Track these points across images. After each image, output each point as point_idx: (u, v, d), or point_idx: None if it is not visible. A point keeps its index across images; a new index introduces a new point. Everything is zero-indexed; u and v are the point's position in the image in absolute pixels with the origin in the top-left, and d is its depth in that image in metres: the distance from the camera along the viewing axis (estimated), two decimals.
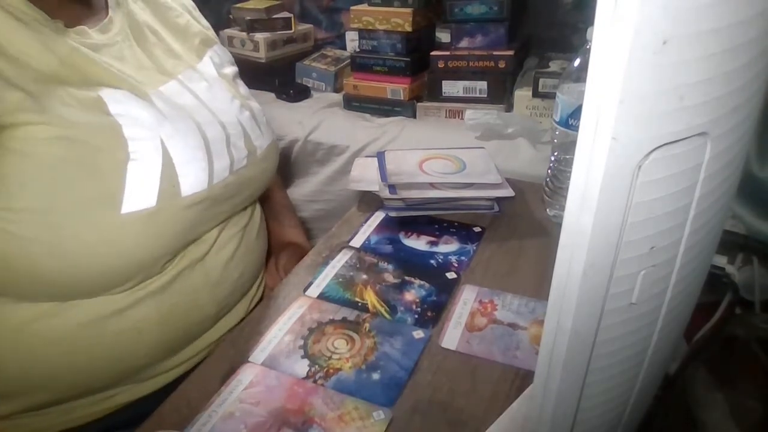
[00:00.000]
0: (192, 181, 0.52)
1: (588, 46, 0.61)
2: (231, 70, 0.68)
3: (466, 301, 0.57)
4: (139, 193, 0.48)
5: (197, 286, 0.56)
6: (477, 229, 0.70)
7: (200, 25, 0.68)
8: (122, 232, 0.48)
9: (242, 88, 0.68)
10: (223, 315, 0.61)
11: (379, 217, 0.73)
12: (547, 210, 0.73)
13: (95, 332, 0.50)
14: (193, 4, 0.71)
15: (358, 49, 1.36)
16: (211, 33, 0.70)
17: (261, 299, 0.69)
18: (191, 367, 0.58)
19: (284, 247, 0.77)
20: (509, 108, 1.27)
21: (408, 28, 1.27)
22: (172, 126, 0.52)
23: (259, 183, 0.64)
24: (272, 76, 1.48)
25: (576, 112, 0.64)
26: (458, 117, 1.29)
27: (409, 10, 1.26)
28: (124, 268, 0.49)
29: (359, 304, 0.58)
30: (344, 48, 1.58)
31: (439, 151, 0.79)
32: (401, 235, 0.69)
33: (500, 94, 1.27)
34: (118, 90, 0.51)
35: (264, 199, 0.81)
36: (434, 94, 1.31)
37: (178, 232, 0.52)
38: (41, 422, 0.53)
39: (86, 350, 0.51)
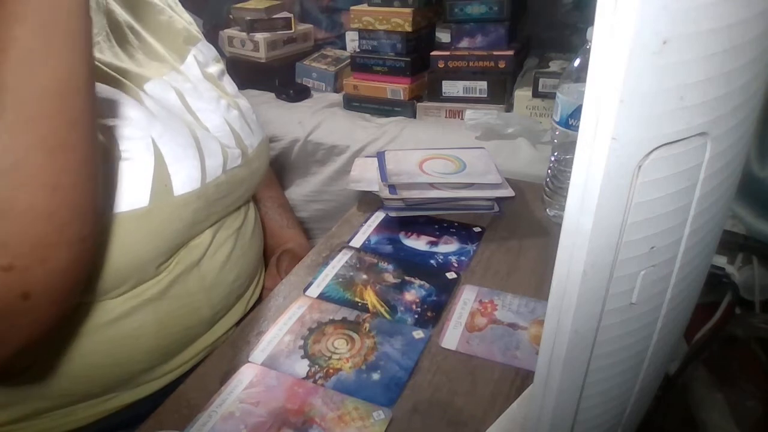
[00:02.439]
0: (184, 180, 0.51)
1: (588, 46, 0.61)
2: (216, 68, 0.66)
3: (466, 301, 0.57)
4: (132, 192, 0.47)
5: (193, 291, 0.56)
6: (477, 229, 0.70)
7: (183, 20, 0.66)
8: (114, 233, 0.47)
9: (229, 86, 0.66)
10: (219, 318, 0.61)
11: (379, 217, 0.73)
12: (547, 210, 0.73)
13: (92, 341, 0.50)
14: None
15: (358, 49, 1.37)
16: (194, 28, 0.68)
17: (258, 300, 0.68)
18: (188, 370, 0.58)
19: (284, 249, 0.77)
20: (509, 108, 1.27)
21: (408, 28, 1.27)
22: (162, 125, 0.51)
23: (251, 182, 0.63)
24: (272, 76, 1.48)
25: (576, 112, 0.64)
26: (458, 117, 1.29)
27: (409, 10, 1.26)
28: (116, 270, 0.48)
29: (359, 304, 0.57)
30: (344, 48, 1.58)
31: (439, 151, 0.79)
32: (401, 235, 0.69)
33: (500, 94, 1.27)
34: (105, 88, 0.50)
35: (261, 199, 0.81)
36: (434, 94, 1.31)
37: (172, 232, 0.51)
38: (40, 426, 0.53)
39: (83, 359, 0.50)
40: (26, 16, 0.34)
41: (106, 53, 0.54)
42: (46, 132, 0.35)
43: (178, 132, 0.52)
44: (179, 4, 0.69)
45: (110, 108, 0.49)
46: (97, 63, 0.51)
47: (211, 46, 0.68)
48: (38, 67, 0.35)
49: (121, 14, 0.58)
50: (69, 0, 0.36)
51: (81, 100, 0.38)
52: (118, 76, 0.52)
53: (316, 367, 0.50)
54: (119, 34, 0.57)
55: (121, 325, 0.51)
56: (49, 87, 0.35)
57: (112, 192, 0.47)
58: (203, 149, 0.54)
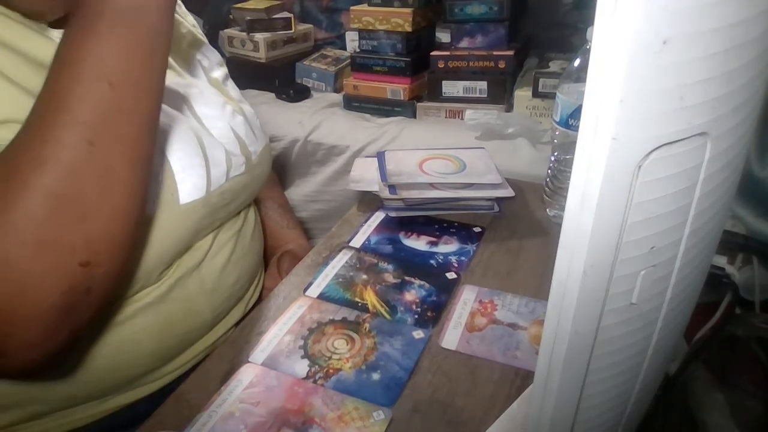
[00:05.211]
0: (190, 188, 0.51)
1: (588, 46, 0.61)
2: (220, 72, 0.66)
3: (466, 301, 0.57)
4: None
5: (193, 294, 0.56)
6: (477, 229, 0.70)
7: (187, 23, 0.66)
8: None
9: (233, 90, 0.66)
10: (219, 320, 0.61)
11: (379, 217, 0.73)
12: (547, 210, 0.73)
13: (94, 346, 0.50)
14: None
15: (358, 49, 1.37)
16: (198, 31, 0.67)
17: (258, 301, 0.68)
18: (188, 370, 0.58)
19: (285, 250, 0.77)
20: (509, 108, 1.27)
21: (408, 28, 1.27)
22: (170, 133, 0.51)
23: (253, 188, 0.63)
24: (272, 76, 1.48)
25: (576, 112, 0.64)
26: (458, 117, 1.29)
27: (409, 10, 1.26)
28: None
29: (359, 304, 0.57)
30: (344, 48, 1.58)
31: (439, 151, 0.79)
32: (401, 235, 0.69)
33: (500, 94, 1.27)
34: None
35: (262, 200, 0.81)
36: (434, 94, 1.31)
37: (175, 239, 0.51)
38: (38, 427, 0.52)
39: (84, 364, 0.50)
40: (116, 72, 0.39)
41: None
42: (132, 149, 0.40)
43: (186, 141, 0.52)
44: (182, 6, 0.68)
45: None
46: None
47: (215, 50, 0.68)
48: (124, 115, 0.39)
49: None
50: (160, 61, 0.42)
51: (154, 128, 0.43)
52: None
53: (316, 367, 0.50)
54: None
55: (122, 329, 0.51)
56: (132, 132, 0.40)
57: None
58: (209, 158, 0.54)
